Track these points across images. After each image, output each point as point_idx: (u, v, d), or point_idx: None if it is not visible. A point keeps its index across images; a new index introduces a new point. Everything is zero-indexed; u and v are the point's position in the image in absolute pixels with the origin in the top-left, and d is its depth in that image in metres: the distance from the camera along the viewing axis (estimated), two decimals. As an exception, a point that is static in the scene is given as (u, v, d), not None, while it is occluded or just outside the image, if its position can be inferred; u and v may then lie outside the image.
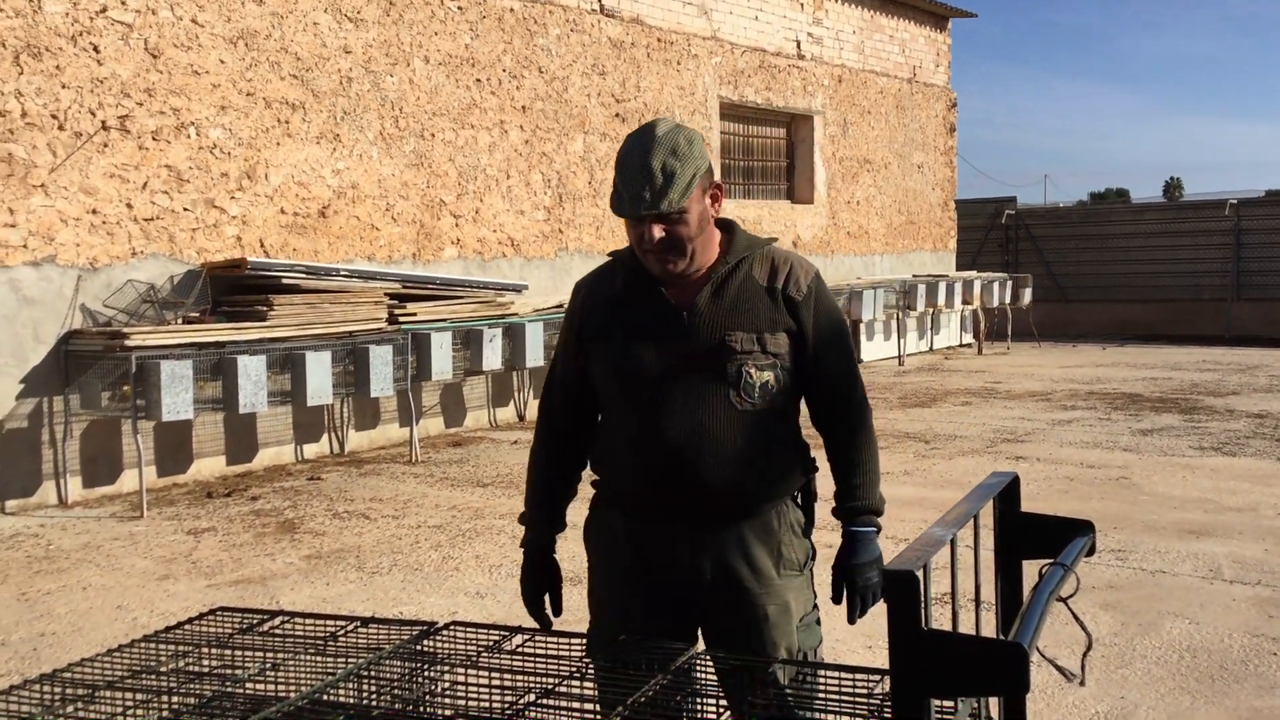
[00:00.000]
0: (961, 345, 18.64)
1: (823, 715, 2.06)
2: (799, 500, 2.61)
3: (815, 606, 2.59)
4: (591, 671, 2.26)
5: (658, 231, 2.40)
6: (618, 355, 2.50)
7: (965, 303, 17.28)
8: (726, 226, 2.56)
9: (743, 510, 2.49)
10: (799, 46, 15.50)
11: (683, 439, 2.44)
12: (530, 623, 2.64)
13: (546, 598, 2.65)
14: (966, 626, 2.27)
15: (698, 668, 2.25)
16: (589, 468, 2.67)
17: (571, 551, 2.71)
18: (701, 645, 2.50)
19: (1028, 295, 18.60)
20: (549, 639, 2.45)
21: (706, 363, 2.45)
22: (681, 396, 2.45)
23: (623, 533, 2.55)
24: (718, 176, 13.15)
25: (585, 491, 2.72)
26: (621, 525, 2.56)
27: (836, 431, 2.59)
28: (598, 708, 2.14)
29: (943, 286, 16.61)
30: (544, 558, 2.65)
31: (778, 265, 2.54)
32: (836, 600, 2.57)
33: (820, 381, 2.54)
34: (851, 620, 2.56)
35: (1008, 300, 18.12)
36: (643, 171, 2.36)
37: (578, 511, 2.69)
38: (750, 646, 2.40)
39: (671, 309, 2.48)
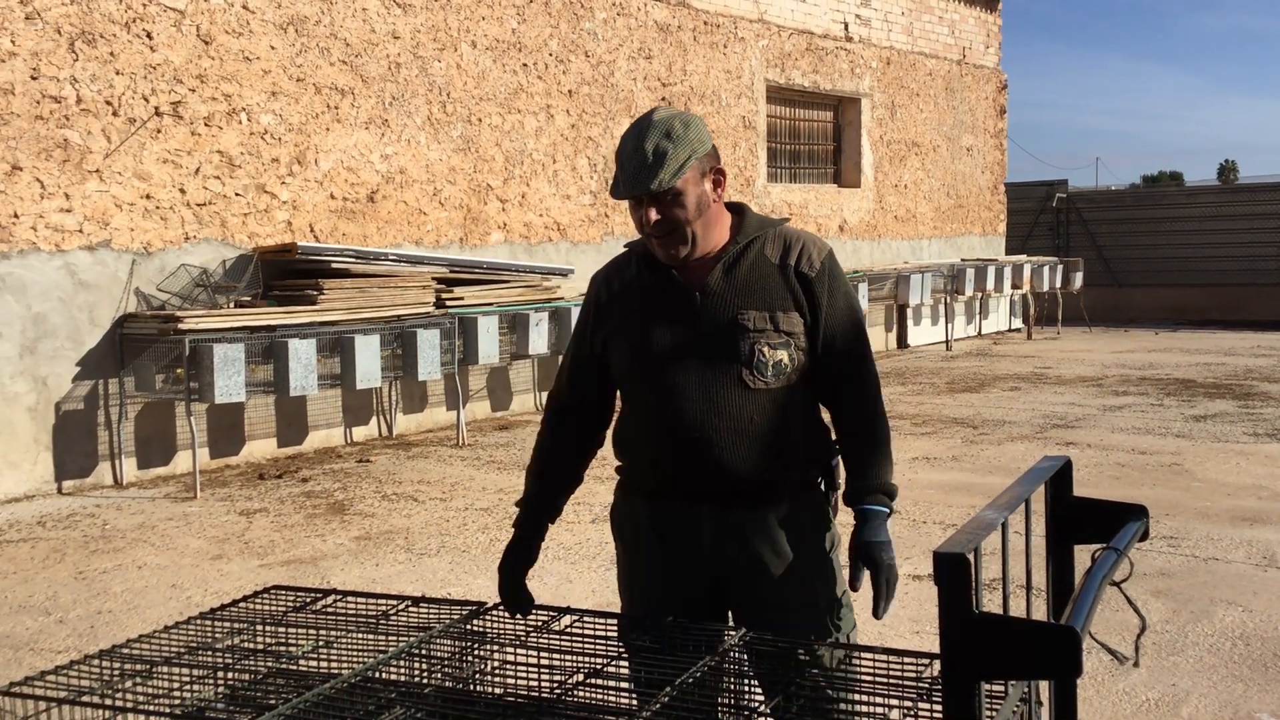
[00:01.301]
0: (1011, 330, 18.45)
1: (871, 698, 2.05)
2: (821, 483, 2.58)
3: (845, 591, 2.56)
4: (627, 655, 2.27)
5: (653, 214, 2.41)
6: (633, 340, 2.52)
7: (1015, 287, 17.10)
8: (737, 209, 2.56)
9: (763, 492, 2.48)
10: (846, 28, 15.37)
11: (698, 420, 2.44)
12: (579, 604, 2.65)
13: (518, 583, 2.60)
14: (1017, 611, 2.25)
15: (736, 651, 2.26)
16: (614, 456, 2.66)
17: (605, 538, 2.70)
18: (730, 627, 2.49)
19: (1078, 279, 18.37)
20: (595, 620, 2.46)
21: (719, 342, 2.45)
22: (696, 378, 2.46)
23: (647, 519, 2.56)
24: (763, 158, 12.94)
25: (604, 476, 2.71)
26: (646, 511, 2.56)
27: (846, 410, 2.54)
28: (633, 690, 2.15)
29: (992, 271, 16.44)
30: (524, 546, 2.63)
31: (790, 243, 2.53)
32: (855, 586, 2.47)
33: (832, 359, 2.51)
34: (878, 613, 2.41)
35: (1058, 285, 17.91)
36: (636, 154, 2.38)
37: (603, 496, 2.69)
38: (775, 631, 2.37)
39: (683, 291, 2.49)
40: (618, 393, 2.66)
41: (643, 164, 2.38)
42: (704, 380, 2.46)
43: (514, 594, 2.57)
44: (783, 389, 2.47)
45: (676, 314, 2.49)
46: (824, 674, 2.20)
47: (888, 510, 2.49)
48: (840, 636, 2.51)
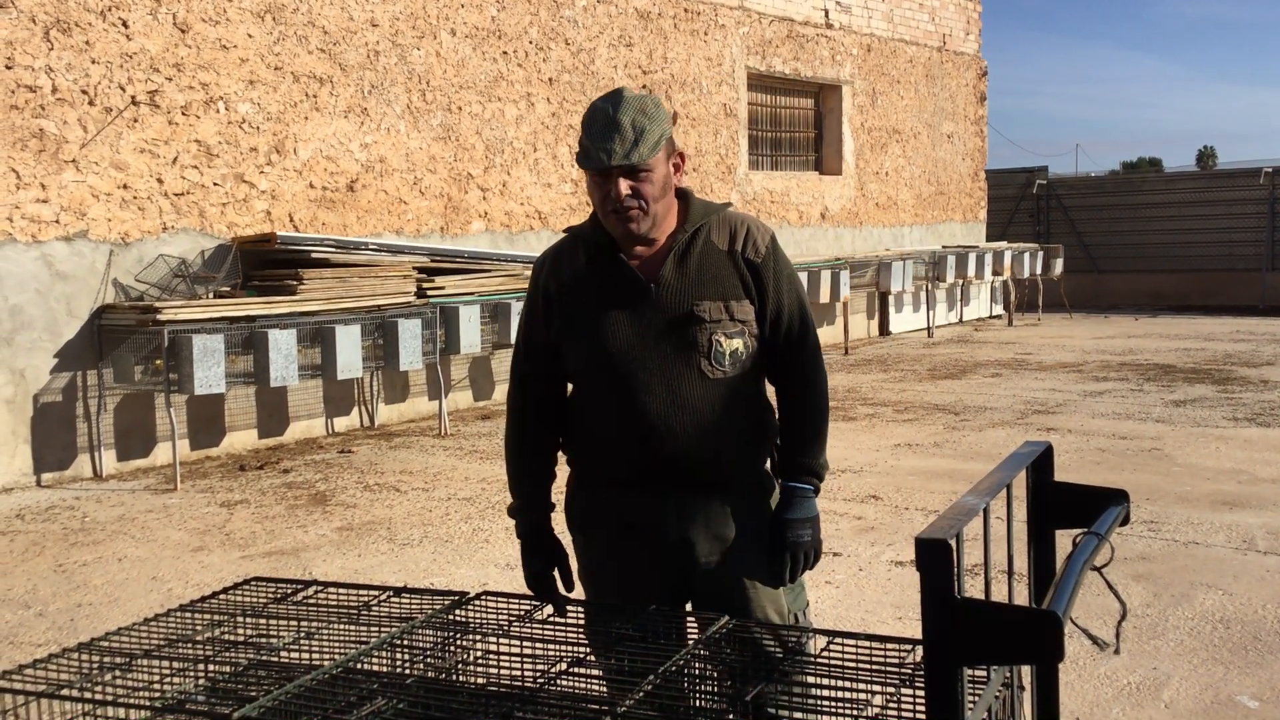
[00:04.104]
0: (992, 316, 18.51)
1: (854, 684, 2.05)
2: (771, 464, 2.65)
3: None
4: (593, 645, 2.27)
5: (624, 187, 2.42)
6: (590, 336, 2.52)
7: (995, 274, 17.15)
8: (682, 195, 2.59)
9: (722, 478, 2.53)
10: (827, 15, 15.36)
11: (659, 411, 2.47)
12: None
13: (556, 573, 2.63)
14: (999, 597, 2.26)
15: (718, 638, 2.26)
16: (565, 446, 2.67)
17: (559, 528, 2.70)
18: (695, 614, 2.51)
19: (1059, 266, 18.44)
20: (580, 610, 2.46)
21: (677, 334, 2.48)
22: (655, 369, 2.48)
23: (609, 508, 2.57)
24: (744, 146, 12.97)
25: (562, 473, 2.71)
26: (608, 500, 2.57)
27: (787, 388, 2.61)
28: (608, 680, 2.14)
29: (973, 257, 16.48)
30: (546, 537, 2.64)
31: (735, 229, 2.56)
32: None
33: (778, 341, 2.57)
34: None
35: (1039, 271, 17.97)
36: (613, 126, 2.40)
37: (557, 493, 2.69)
38: (738, 612, 2.42)
39: (638, 282, 2.50)
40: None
41: (623, 137, 2.39)
42: (664, 373, 2.48)
43: (552, 589, 2.59)
44: (738, 376, 2.52)
45: (633, 306, 2.50)
46: (808, 661, 2.21)
47: (812, 488, 2.57)
48: (798, 614, 2.59)
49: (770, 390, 2.66)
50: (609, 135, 2.40)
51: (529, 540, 2.64)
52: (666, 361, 2.48)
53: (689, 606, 2.58)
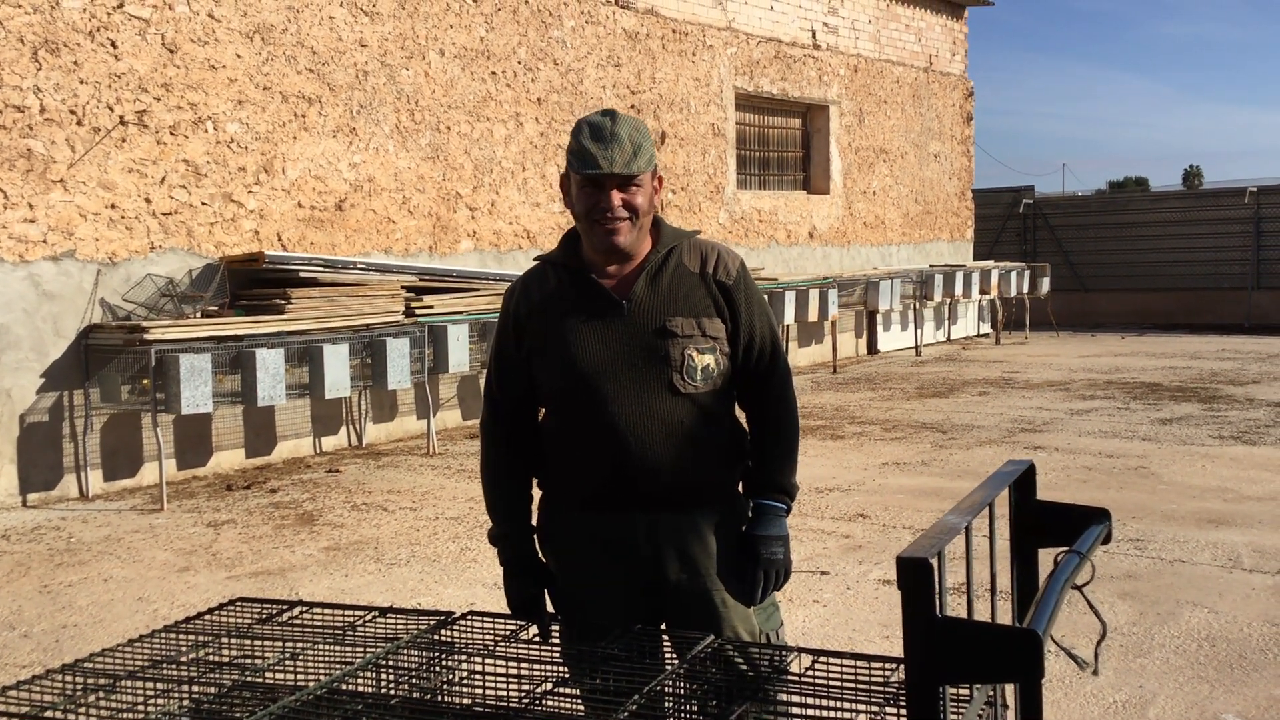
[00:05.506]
0: (979, 335, 18.57)
1: (839, 703, 2.06)
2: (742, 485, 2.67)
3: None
4: (576, 667, 2.27)
5: (617, 198, 2.48)
6: (563, 353, 2.54)
7: (983, 292, 17.21)
8: (653, 221, 2.64)
9: (694, 495, 2.55)
10: (814, 36, 15.45)
11: (630, 425, 2.50)
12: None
13: (546, 595, 2.64)
14: (982, 616, 2.26)
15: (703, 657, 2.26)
16: (535, 472, 2.69)
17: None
18: (677, 636, 2.51)
19: (1046, 285, 18.51)
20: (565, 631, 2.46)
21: (649, 349, 2.52)
22: (627, 383, 2.51)
23: (581, 527, 2.58)
24: (733, 165, 13.02)
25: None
26: (579, 520, 2.58)
27: (759, 409, 2.64)
28: (583, 700, 2.15)
29: (960, 276, 16.54)
30: (533, 562, 2.66)
31: (706, 254, 2.62)
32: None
33: (749, 361, 2.61)
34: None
35: (1025, 290, 18.03)
36: (613, 137, 2.47)
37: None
38: (709, 631, 2.43)
39: (611, 299, 2.54)
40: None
41: (621, 148, 2.45)
42: (636, 387, 2.51)
43: (541, 612, 2.60)
44: (709, 393, 2.55)
45: (605, 323, 2.54)
46: (792, 680, 2.21)
47: (784, 507, 2.61)
48: (770, 634, 2.60)
49: (741, 415, 2.68)
50: (610, 144, 2.45)
51: (515, 566, 2.65)
52: (638, 376, 2.51)
53: (663, 626, 2.58)
